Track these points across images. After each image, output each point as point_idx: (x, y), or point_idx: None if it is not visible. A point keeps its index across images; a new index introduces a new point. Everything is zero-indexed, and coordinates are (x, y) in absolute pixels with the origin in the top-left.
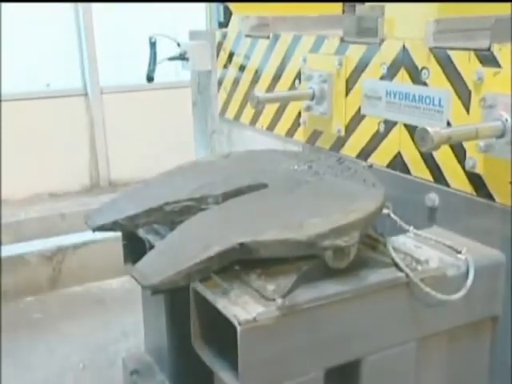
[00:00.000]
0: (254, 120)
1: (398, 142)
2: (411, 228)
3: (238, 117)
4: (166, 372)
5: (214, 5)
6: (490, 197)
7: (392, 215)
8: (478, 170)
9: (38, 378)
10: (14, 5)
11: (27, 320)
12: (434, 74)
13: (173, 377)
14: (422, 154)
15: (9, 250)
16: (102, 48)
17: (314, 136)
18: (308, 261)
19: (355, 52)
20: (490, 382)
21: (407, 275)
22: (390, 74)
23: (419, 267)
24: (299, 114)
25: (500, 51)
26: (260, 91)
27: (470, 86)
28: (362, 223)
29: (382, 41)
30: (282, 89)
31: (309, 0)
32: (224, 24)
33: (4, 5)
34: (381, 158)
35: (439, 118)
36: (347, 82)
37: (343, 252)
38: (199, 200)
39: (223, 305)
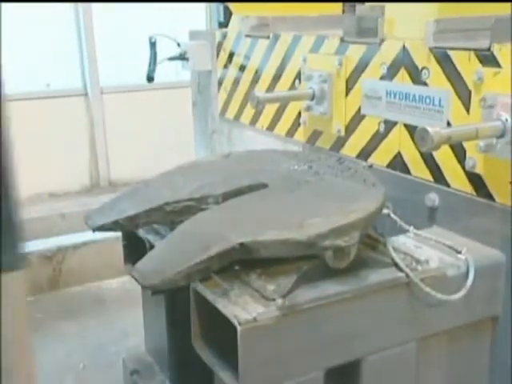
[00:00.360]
0: (254, 120)
1: (398, 141)
2: (411, 228)
3: (238, 117)
4: (166, 372)
5: (213, 5)
6: (490, 197)
7: (392, 215)
8: (478, 170)
9: (38, 377)
10: (14, 5)
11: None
12: (434, 74)
13: (173, 377)
14: (421, 154)
15: None
16: (102, 48)
17: (314, 136)
18: (308, 261)
19: (355, 52)
20: (490, 382)
21: (407, 275)
22: (390, 73)
23: (419, 267)
24: (299, 114)
25: (500, 51)
26: (260, 91)
27: (470, 86)
28: (362, 223)
29: (382, 41)
30: (282, 89)
31: (309, 0)
32: (224, 24)
33: (4, 5)
34: (381, 157)
35: (439, 117)
36: (347, 82)
37: (343, 252)
38: (199, 200)
39: (223, 305)
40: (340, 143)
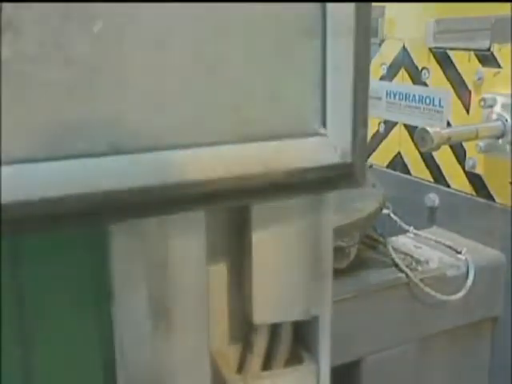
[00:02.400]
0: None
1: (397, 142)
2: (411, 228)
3: None
4: None
5: None
6: (489, 197)
7: (392, 215)
8: (478, 170)
9: None
10: None
11: None
12: (434, 74)
13: None
14: (422, 154)
15: None
16: None
17: None
18: None
19: None
20: (490, 382)
21: (407, 275)
22: (390, 74)
23: (419, 267)
24: None
25: (500, 51)
26: None
27: (470, 86)
28: (362, 223)
29: (382, 41)
30: None
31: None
32: None
33: None
34: (381, 158)
35: (439, 118)
36: None
37: (343, 252)
38: None
39: None
40: None
